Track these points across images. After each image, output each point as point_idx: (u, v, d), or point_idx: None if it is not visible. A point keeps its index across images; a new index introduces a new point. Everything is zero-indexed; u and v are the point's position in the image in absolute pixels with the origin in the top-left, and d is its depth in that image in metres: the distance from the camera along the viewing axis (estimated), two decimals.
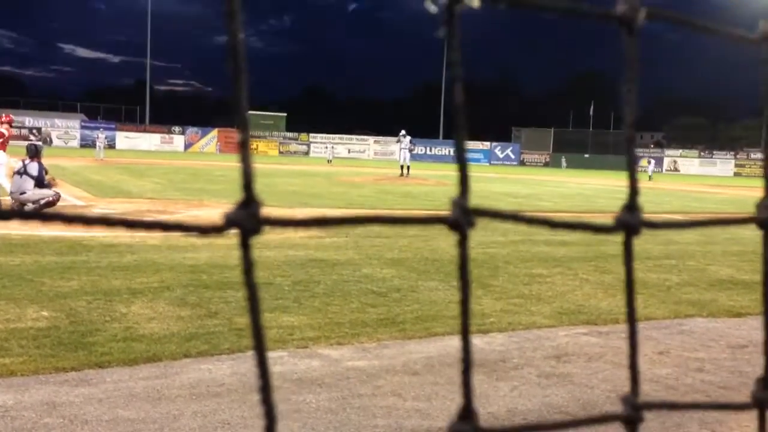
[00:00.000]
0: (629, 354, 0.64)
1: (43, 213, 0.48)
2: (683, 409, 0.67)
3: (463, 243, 0.55)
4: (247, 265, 0.51)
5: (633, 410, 0.62)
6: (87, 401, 4.33)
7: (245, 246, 0.51)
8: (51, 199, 12.64)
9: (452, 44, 0.55)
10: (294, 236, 10.91)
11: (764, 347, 0.66)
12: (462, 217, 0.54)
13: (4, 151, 15.50)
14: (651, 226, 0.61)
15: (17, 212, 0.51)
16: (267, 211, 0.52)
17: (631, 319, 0.63)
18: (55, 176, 13.95)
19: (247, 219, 0.50)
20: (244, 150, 0.50)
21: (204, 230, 0.51)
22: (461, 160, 0.55)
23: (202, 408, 4.31)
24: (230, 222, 0.50)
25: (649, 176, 46.26)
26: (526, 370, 5.27)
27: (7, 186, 13.44)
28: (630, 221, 0.61)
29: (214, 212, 14.34)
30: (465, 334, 0.55)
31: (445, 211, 0.55)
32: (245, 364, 5.11)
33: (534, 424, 0.59)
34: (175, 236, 10.42)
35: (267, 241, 9.79)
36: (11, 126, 16.19)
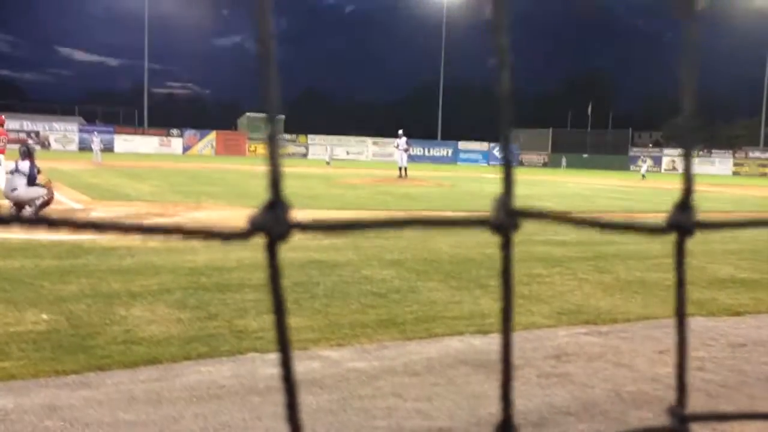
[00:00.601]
0: (677, 363, 0.59)
1: (52, 219, 0.45)
2: (732, 420, 0.65)
3: (506, 246, 0.51)
4: (274, 273, 0.46)
5: (679, 423, 0.56)
6: (87, 404, 4.33)
7: (272, 253, 0.46)
8: (45, 198, 12.63)
9: (500, 26, 0.50)
10: (293, 237, 10.90)
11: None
12: (506, 220, 0.50)
13: (2, 153, 15.43)
14: (706, 226, 0.57)
15: (20, 218, 0.49)
16: (297, 213, 0.48)
17: (681, 326, 0.58)
18: (51, 179, 13.93)
19: (274, 223, 0.46)
20: (272, 145, 0.46)
21: (227, 237, 0.46)
22: (507, 158, 0.51)
23: (203, 410, 4.31)
24: (256, 226, 0.46)
25: (642, 175, 46.33)
26: (526, 370, 5.27)
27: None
28: (683, 222, 0.56)
29: (213, 214, 14.34)
30: (506, 342, 0.52)
31: (483, 213, 0.51)
32: (245, 366, 5.11)
33: None
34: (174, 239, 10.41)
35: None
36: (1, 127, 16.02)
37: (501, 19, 0.50)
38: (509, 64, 0.50)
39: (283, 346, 0.46)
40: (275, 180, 0.46)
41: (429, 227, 0.51)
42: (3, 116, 16.63)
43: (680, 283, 0.56)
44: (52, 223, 0.45)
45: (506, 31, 0.50)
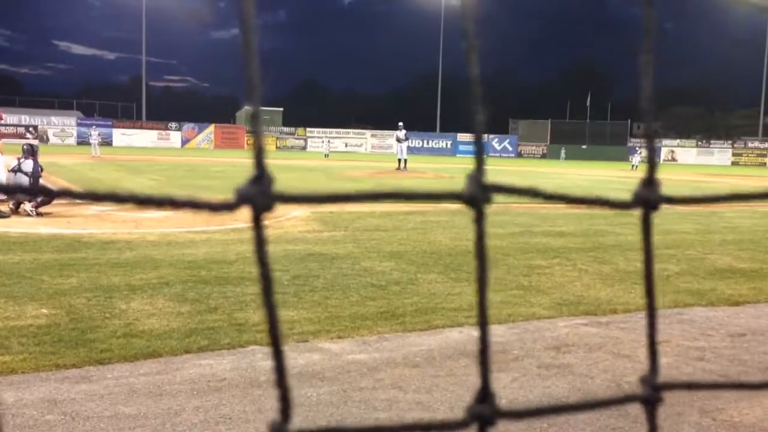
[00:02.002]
0: (648, 334, 0.62)
1: (51, 190, 0.47)
2: (701, 389, 0.67)
3: (479, 219, 0.53)
4: (260, 243, 0.49)
5: (653, 390, 0.61)
6: (88, 398, 4.34)
7: (257, 223, 0.49)
8: (46, 196, 12.63)
9: (466, 13, 0.53)
10: (293, 230, 10.91)
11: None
12: (479, 193, 0.53)
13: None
14: (671, 201, 0.59)
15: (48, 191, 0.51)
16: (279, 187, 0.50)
17: (650, 301, 0.61)
18: (48, 173, 13.90)
19: (259, 195, 0.48)
20: (255, 122, 0.49)
21: (215, 207, 0.49)
22: (478, 137, 0.54)
23: (204, 403, 4.32)
24: (242, 198, 0.48)
25: (634, 166, 46.30)
26: (527, 362, 5.28)
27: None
28: (649, 196, 0.59)
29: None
30: (482, 315, 0.54)
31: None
32: (246, 358, 5.12)
33: (553, 405, 0.59)
34: (174, 232, 10.42)
35: (266, 235, 9.78)
36: None
37: (468, 6, 0.53)
38: (476, 47, 0.54)
39: (270, 311, 0.49)
40: (259, 155, 0.48)
41: (407, 200, 0.54)
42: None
43: (647, 257, 0.59)
44: (50, 193, 0.49)
45: (473, 17, 0.53)
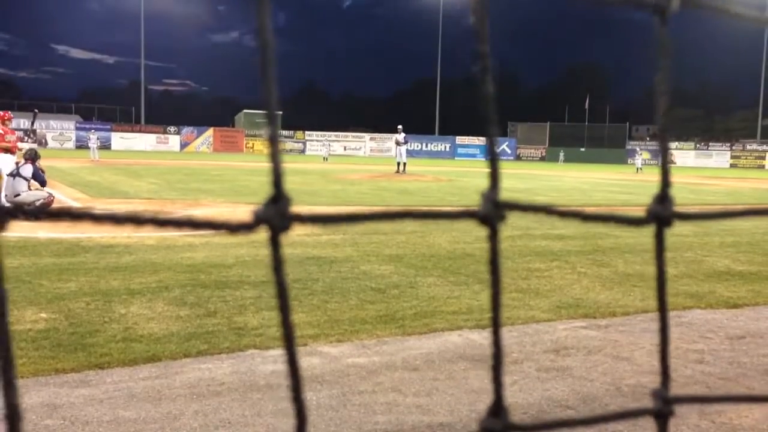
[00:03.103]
0: (660, 347, 0.63)
1: (74, 212, 0.47)
2: (714, 402, 0.67)
3: (493, 237, 0.54)
4: (277, 263, 0.50)
5: (664, 404, 0.61)
6: (87, 402, 4.33)
7: (275, 244, 0.50)
8: (46, 200, 12.63)
9: (481, 34, 0.54)
10: (291, 234, 10.86)
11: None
12: (492, 211, 0.53)
13: (11, 153, 14.90)
14: (684, 217, 0.60)
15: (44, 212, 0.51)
16: (296, 208, 0.51)
17: (663, 312, 0.62)
18: (48, 178, 13.89)
19: (276, 216, 0.50)
20: (273, 146, 0.49)
21: (233, 229, 0.50)
22: (492, 154, 0.54)
23: (203, 407, 4.32)
24: (259, 219, 0.49)
25: (639, 169, 46.32)
26: (526, 365, 5.28)
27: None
28: (661, 213, 0.60)
29: (210, 211, 14.33)
30: (496, 330, 0.55)
31: (472, 207, 0.54)
32: (245, 363, 5.12)
33: (566, 419, 0.59)
34: (173, 236, 10.42)
35: (264, 240, 9.78)
36: (8, 123, 15.66)
37: (483, 27, 0.54)
38: (490, 69, 0.54)
39: (288, 338, 0.50)
40: (277, 177, 0.49)
41: (421, 220, 0.55)
42: (8, 112, 16.29)
43: (660, 271, 0.60)
44: (75, 216, 0.49)
45: (486, 38, 0.54)
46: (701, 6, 0.61)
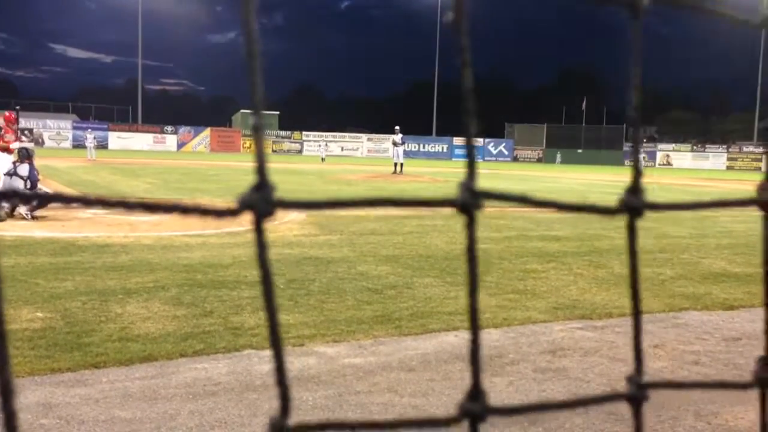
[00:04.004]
0: (633, 335, 0.65)
1: (63, 196, 0.48)
2: (687, 388, 0.69)
3: (470, 226, 0.56)
4: (261, 248, 0.52)
5: (637, 389, 0.63)
6: (83, 402, 4.33)
7: (259, 229, 0.52)
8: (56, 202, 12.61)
9: (460, 29, 0.56)
10: (288, 234, 10.91)
11: (765, 326, 0.68)
12: (470, 199, 0.55)
13: (9, 153, 14.81)
14: (654, 207, 0.62)
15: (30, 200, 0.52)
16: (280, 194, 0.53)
17: (636, 302, 0.64)
18: (45, 177, 13.86)
19: (260, 202, 0.51)
20: (257, 134, 0.51)
21: (220, 213, 0.52)
22: (469, 144, 0.57)
23: (199, 407, 4.31)
24: (244, 204, 0.51)
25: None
26: (522, 366, 5.28)
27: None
28: (634, 203, 0.62)
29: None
30: (473, 315, 0.56)
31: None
32: (241, 362, 5.11)
33: (543, 402, 0.60)
34: (169, 236, 10.40)
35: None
36: (10, 125, 15.57)
37: (461, 22, 0.56)
38: (470, 63, 0.56)
39: (271, 314, 0.51)
40: (261, 165, 0.51)
41: (401, 207, 0.56)
42: (12, 113, 16.19)
43: (633, 260, 0.62)
44: (58, 199, 0.51)
45: (466, 32, 0.56)
46: (674, 2, 0.62)
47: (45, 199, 0.51)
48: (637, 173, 0.63)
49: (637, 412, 0.64)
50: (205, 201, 16.34)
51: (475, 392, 0.57)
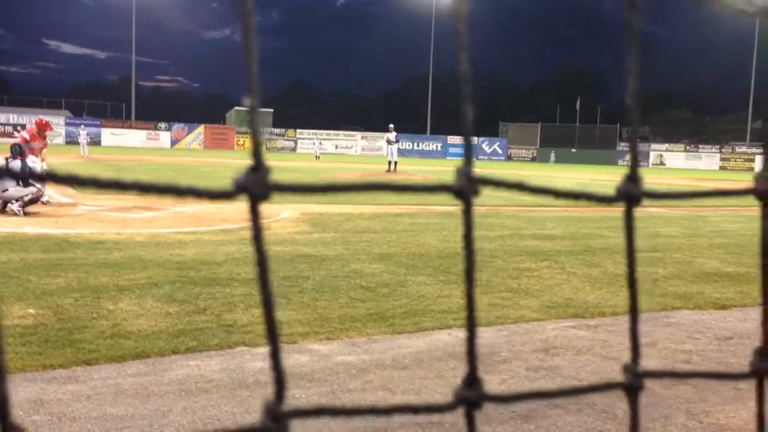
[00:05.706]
0: (630, 325, 0.65)
1: (53, 175, 0.48)
2: (683, 377, 0.70)
3: (467, 211, 0.56)
4: (257, 231, 0.52)
5: (634, 378, 0.63)
6: (75, 398, 4.31)
7: (254, 212, 0.51)
8: (33, 195, 12.59)
9: (459, 13, 0.56)
10: (282, 231, 10.89)
11: (762, 318, 0.68)
12: (467, 185, 0.55)
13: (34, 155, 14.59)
14: (652, 195, 0.62)
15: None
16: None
17: (633, 292, 0.64)
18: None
19: (256, 184, 0.51)
20: (253, 115, 0.51)
21: (215, 195, 0.52)
22: (466, 132, 0.57)
23: (191, 404, 4.31)
24: (239, 187, 0.51)
25: None
26: (515, 364, 5.29)
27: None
28: (631, 191, 0.62)
29: (200, 208, 14.27)
30: (470, 306, 0.56)
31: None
32: (234, 360, 5.10)
33: (537, 390, 0.61)
34: (162, 233, 10.38)
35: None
36: (42, 131, 15.39)
37: (461, 7, 0.56)
38: (466, 46, 0.56)
39: (267, 298, 0.51)
40: (256, 147, 0.51)
41: (397, 192, 0.57)
42: (44, 119, 15.98)
43: (630, 249, 0.62)
44: (60, 179, 0.51)
45: (465, 18, 0.56)
46: None
47: (40, 178, 0.51)
48: (635, 161, 0.63)
49: (633, 402, 0.65)
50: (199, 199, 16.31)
51: (471, 379, 0.57)
